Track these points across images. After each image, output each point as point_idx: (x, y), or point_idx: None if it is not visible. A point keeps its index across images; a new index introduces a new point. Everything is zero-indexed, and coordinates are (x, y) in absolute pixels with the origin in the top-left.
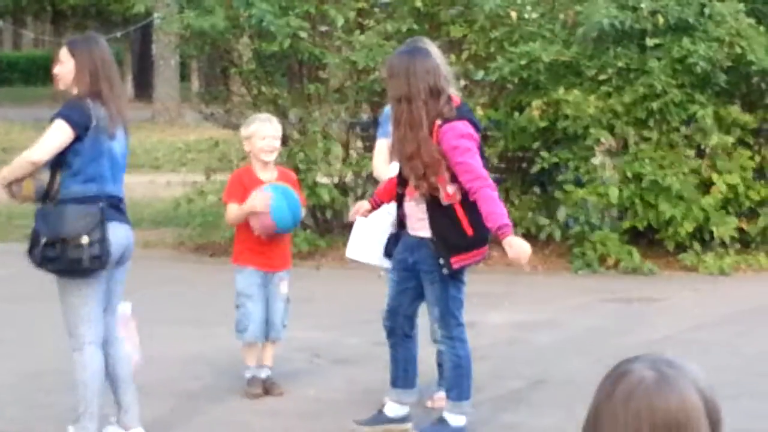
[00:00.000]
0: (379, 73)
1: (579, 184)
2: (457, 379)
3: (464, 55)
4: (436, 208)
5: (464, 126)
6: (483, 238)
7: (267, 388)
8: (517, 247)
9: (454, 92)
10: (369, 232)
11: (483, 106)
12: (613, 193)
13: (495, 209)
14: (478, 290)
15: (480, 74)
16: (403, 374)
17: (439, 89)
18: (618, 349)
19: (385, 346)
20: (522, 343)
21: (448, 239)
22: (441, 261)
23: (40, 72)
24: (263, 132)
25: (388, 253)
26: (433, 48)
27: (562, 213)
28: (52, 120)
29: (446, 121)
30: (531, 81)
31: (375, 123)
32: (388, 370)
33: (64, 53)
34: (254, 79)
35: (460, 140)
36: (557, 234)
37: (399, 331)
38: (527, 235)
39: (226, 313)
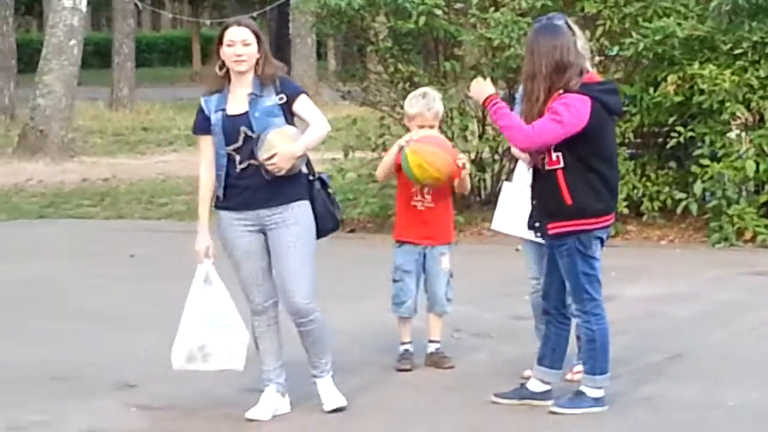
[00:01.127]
0: (514, 49)
1: (715, 158)
2: (591, 353)
3: (599, 31)
4: (540, 174)
5: (575, 99)
6: (586, 210)
7: (436, 361)
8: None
9: (591, 69)
10: (515, 204)
11: (618, 82)
12: (750, 167)
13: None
14: (616, 264)
15: (615, 50)
16: (550, 353)
17: (565, 64)
18: (756, 323)
19: (524, 320)
20: (660, 317)
21: (546, 204)
22: (537, 225)
23: (178, 52)
24: (422, 121)
25: (530, 226)
26: (565, 24)
27: (698, 187)
28: (300, 93)
29: (567, 91)
30: (666, 56)
31: (511, 99)
32: (527, 345)
33: (250, 35)
34: (390, 57)
35: (559, 106)
36: (694, 208)
37: (553, 310)
38: (663, 209)
39: (368, 287)
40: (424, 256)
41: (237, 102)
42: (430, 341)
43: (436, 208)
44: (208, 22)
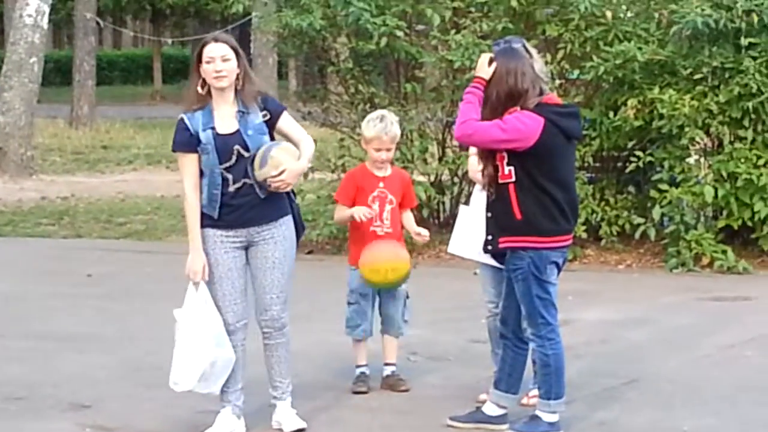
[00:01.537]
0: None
1: (674, 183)
2: (545, 377)
3: (559, 55)
4: (495, 189)
5: (527, 115)
6: (534, 227)
7: (392, 384)
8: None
9: (550, 92)
10: (471, 228)
11: (578, 105)
12: (708, 193)
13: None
14: (573, 288)
15: (575, 73)
16: (507, 377)
17: (519, 91)
18: (712, 348)
19: (480, 344)
20: (616, 342)
21: (498, 218)
22: (489, 238)
23: (139, 70)
24: (379, 144)
25: (484, 245)
26: (522, 47)
27: (657, 212)
28: (282, 110)
29: (522, 109)
30: (626, 80)
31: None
32: (483, 368)
33: (228, 50)
34: (351, 78)
35: (508, 116)
36: (652, 233)
37: (511, 334)
38: (622, 234)
39: (324, 309)
40: None
41: (225, 120)
42: (386, 364)
43: (394, 233)
44: (169, 41)
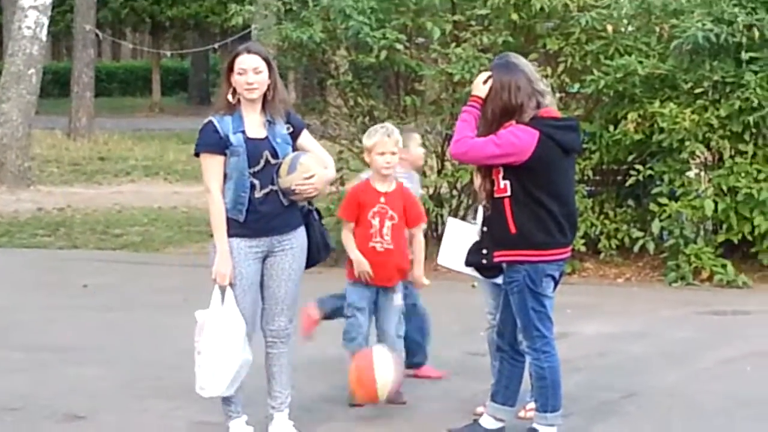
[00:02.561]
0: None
1: (674, 197)
2: (541, 391)
3: (560, 68)
4: (491, 203)
5: (521, 129)
6: (529, 240)
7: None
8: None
9: (551, 104)
10: (459, 240)
11: (578, 119)
12: (708, 206)
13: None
14: (571, 301)
15: (576, 87)
16: (503, 390)
17: (513, 106)
18: (710, 362)
19: (478, 357)
20: (615, 355)
21: (493, 232)
22: (484, 251)
23: (138, 82)
24: (382, 147)
25: (468, 263)
26: (521, 62)
27: (656, 226)
28: (304, 127)
29: (518, 122)
30: (627, 94)
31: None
32: (481, 381)
33: (261, 62)
34: (351, 91)
35: (503, 131)
36: (651, 246)
37: (507, 347)
38: (621, 247)
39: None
40: (377, 293)
41: (254, 126)
42: None
43: (395, 249)
44: (168, 53)
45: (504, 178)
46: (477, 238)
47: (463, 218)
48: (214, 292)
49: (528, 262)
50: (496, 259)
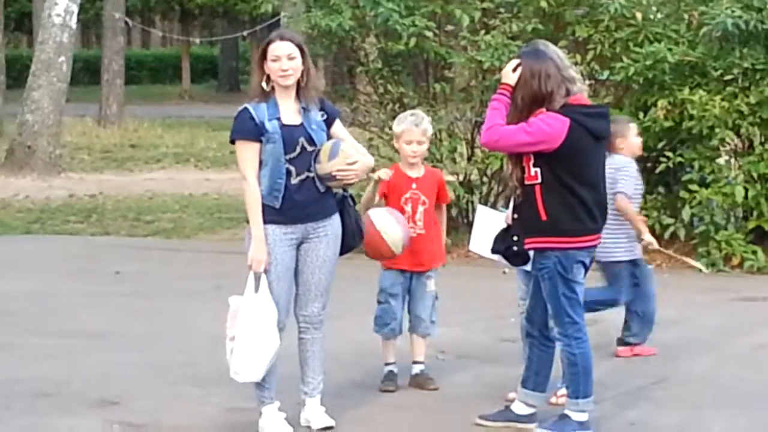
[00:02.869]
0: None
1: (704, 183)
2: (573, 377)
3: (589, 55)
4: (521, 191)
5: (552, 117)
6: (560, 227)
7: (420, 383)
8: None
9: (581, 91)
10: (490, 227)
11: (608, 106)
12: (739, 193)
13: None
14: None
15: (605, 74)
16: (534, 376)
17: (543, 94)
18: (742, 348)
19: (509, 343)
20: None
21: (523, 219)
22: (515, 238)
23: (168, 70)
24: (409, 136)
25: (494, 250)
26: (550, 49)
27: (686, 213)
28: (336, 116)
29: (548, 110)
30: (656, 81)
31: None
32: (512, 366)
33: (294, 49)
34: (380, 78)
35: (534, 119)
36: (682, 233)
37: (537, 333)
38: (652, 234)
39: (351, 308)
40: (411, 279)
41: (289, 113)
42: (415, 362)
43: (427, 234)
44: (197, 41)
45: (535, 166)
46: (504, 225)
47: (494, 205)
48: (249, 278)
49: (559, 249)
50: (526, 246)
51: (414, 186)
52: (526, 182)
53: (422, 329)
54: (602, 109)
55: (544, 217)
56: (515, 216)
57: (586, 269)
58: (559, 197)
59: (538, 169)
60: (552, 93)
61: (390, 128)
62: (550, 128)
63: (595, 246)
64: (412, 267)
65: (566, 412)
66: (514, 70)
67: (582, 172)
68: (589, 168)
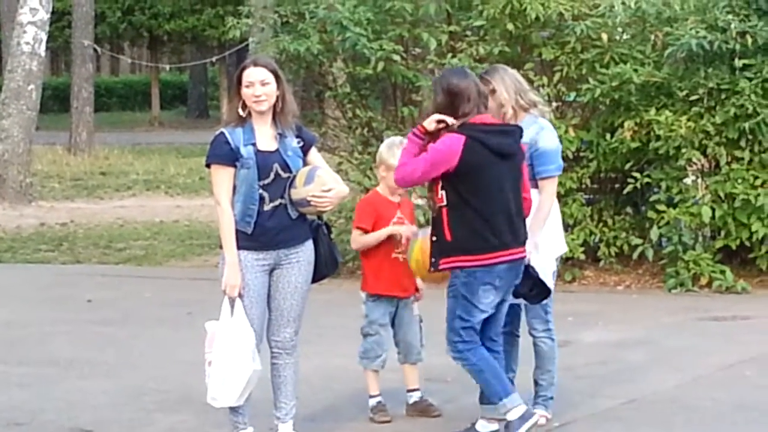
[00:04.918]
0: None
1: (671, 204)
2: (486, 383)
3: (556, 77)
4: (435, 214)
5: (447, 137)
6: (463, 246)
7: (423, 409)
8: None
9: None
10: None
11: (575, 128)
12: (706, 213)
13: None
14: (572, 309)
15: (572, 96)
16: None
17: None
18: (711, 368)
19: None
20: (616, 362)
21: (436, 240)
22: (432, 259)
23: (137, 96)
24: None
25: (516, 294)
26: (509, 73)
27: (655, 233)
28: (313, 143)
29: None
30: (622, 102)
31: None
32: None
33: (267, 74)
34: (349, 103)
35: (431, 145)
36: (650, 254)
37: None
38: (620, 254)
39: (321, 334)
40: (397, 306)
41: (265, 138)
42: (410, 390)
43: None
44: (167, 67)
45: (442, 188)
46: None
47: None
48: (224, 303)
49: (463, 268)
50: (441, 267)
51: (398, 212)
52: (437, 205)
53: (415, 356)
54: (507, 127)
55: (449, 238)
56: (434, 239)
57: (507, 291)
58: (461, 216)
59: (444, 192)
60: (467, 115)
61: (359, 152)
62: (444, 146)
63: (508, 262)
64: (398, 292)
65: (507, 417)
66: (438, 122)
67: (481, 188)
68: (489, 183)
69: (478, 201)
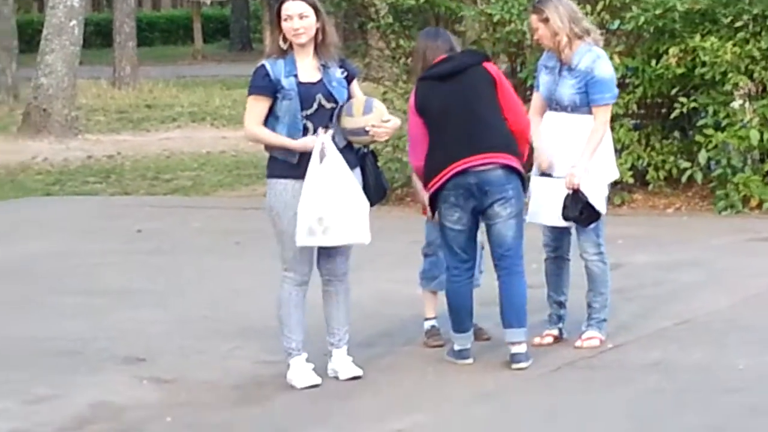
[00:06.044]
0: (515, 24)
1: (719, 127)
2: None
3: (599, 6)
4: None
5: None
6: (427, 176)
7: (474, 333)
8: None
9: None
10: (550, 194)
11: (620, 55)
12: (754, 136)
13: None
14: (623, 232)
15: (616, 24)
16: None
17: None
18: (763, 288)
19: (533, 289)
20: (667, 284)
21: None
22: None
23: (179, 31)
24: None
25: (566, 217)
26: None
27: (703, 156)
28: (356, 75)
29: None
30: (667, 29)
31: (512, 73)
32: (538, 313)
33: (306, 7)
34: (392, 33)
35: None
36: (699, 177)
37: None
38: (669, 178)
39: (372, 259)
40: None
41: (308, 70)
42: None
43: None
44: (208, 1)
45: None
46: (565, 191)
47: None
48: (312, 158)
49: (431, 196)
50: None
51: None
52: None
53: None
54: (452, 54)
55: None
56: None
57: (474, 196)
58: (429, 151)
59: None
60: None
61: (403, 82)
62: (408, 116)
63: (461, 173)
64: None
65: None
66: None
67: (433, 117)
68: (435, 108)
69: (432, 130)
